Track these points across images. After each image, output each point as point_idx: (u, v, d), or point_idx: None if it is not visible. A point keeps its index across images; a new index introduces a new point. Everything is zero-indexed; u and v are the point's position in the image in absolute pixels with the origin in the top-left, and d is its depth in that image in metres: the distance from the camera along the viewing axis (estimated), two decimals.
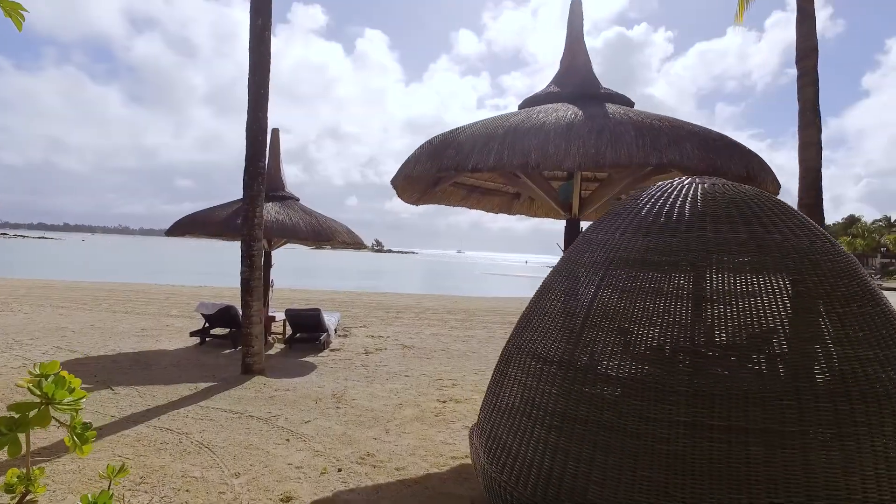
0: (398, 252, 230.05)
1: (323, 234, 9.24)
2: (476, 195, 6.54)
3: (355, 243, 9.86)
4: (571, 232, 5.34)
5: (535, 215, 7.03)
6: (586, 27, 5.66)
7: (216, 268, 43.70)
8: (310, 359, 8.75)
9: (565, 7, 5.54)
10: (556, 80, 5.31)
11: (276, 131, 10.07)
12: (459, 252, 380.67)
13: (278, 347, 9.69)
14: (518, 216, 7.04)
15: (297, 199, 10.12)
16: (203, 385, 6.76)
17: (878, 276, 78.82)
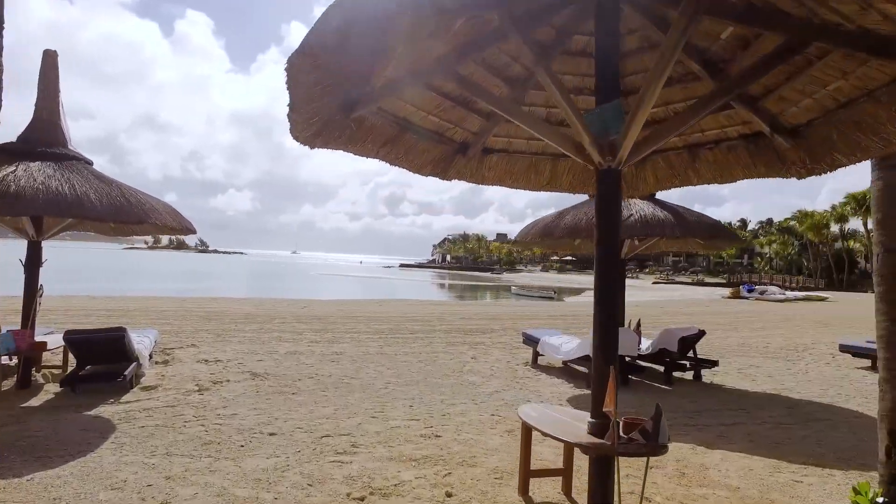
0: (225, 252, 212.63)
1: (131, 212, 5.86)
2: (407, 142, 3.95)
3: (183, 229, 6.57)
4: (608, 187, 3.06)
5: (491, 181, 4.61)
6: None
7: None
8: (105, 410, 5.39)
9: None
10: None
11: (51, 54, 6.43)
12: (294, 253, 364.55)
13: (51, 392, 6.07)
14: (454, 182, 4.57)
15: (90, 163, 6.57)
16: None
17: (671, 272, 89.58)
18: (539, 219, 8.60)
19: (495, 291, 51.16)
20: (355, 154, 3.80)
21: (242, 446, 4.46)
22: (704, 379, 8.35)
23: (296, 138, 3.27)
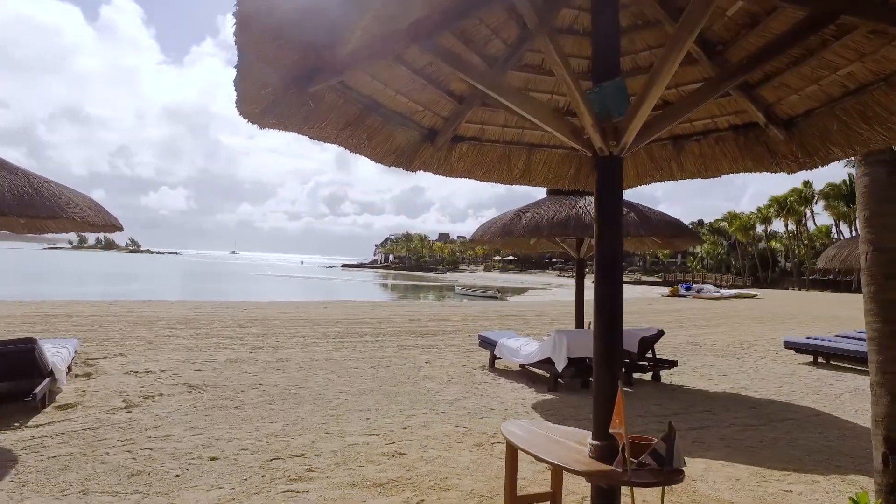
0: (158, 253, 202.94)
1: (41, 206, 5.05)
2: (371, 125, 3.44)
3: (107, 225, 5.78)
4: (610, 177, 2.68)
5: (459, 173, 4.16)
6: None
7: None
8: (6, 438, 4.58)
9: None
10: None
11: None
12: (233, 253, 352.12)
13: None
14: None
15: None
16: None
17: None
18: (497, 217, 8.25)
19: (440, 291, 50.91)
20: (311, 137, 3.28)
21: (178, 476, 3.82)
22: (663, 379, 8.24)
23: (242, 114, 2.73)
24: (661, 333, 8.32)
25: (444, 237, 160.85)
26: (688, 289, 37.42)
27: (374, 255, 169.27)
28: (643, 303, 29.99)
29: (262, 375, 7.46)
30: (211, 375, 7.28)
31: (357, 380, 7.47)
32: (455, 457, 4.45)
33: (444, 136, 3.85)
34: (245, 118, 2.75)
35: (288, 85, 2.75)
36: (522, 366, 8.59)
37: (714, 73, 3.30)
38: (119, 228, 6.01)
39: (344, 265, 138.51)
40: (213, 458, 4.19)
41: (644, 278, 75.90)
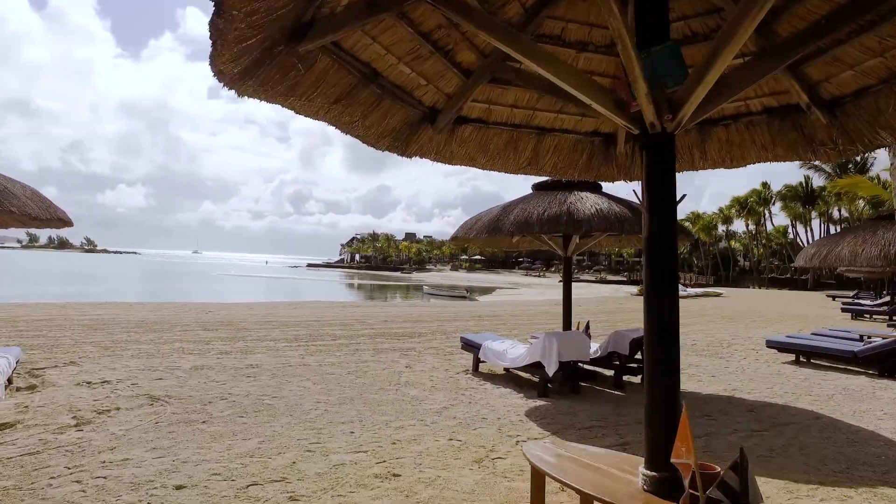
0: (116, 252, 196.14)
1: None
2: (366, 100, 2.94)
3: (53, 219, 5.09)
4: (662, 157, 2.25)
5: (460, 160, 3.69)
6: None
7: None
8: None
9: None
10: None
11: None
12: (196, 252, 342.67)
13: None
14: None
15: None
16: None
17: (576, 271, 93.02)
18: (483, 213, 7.81)
19: (408, 291, 50.35)
20: (297, 112, 2.77)
21: None
22: None
23: (219, 75, 2.21)
24: None
25: (410, 236, 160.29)
26: None
27: (340, 255, 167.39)
28: (615, 301, 30.07)
29: (232, 384, 6.84)
30: (175, 385, 6.63)
31: (335, 387, 6.93)
32: (455, 477, 3.98)
33: (447, 117, 3.38)
34: (221, 81, 2.23)
35: (275, 42, 2.24)
36: (507, 369, 8.20)
37: (757, 47, 2.93)
38: (68, 224, 5.33)
39: (309, 265, 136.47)
40: (179, 487, 3.62)
41: (610, 277, 76.84)
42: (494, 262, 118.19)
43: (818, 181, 50.81)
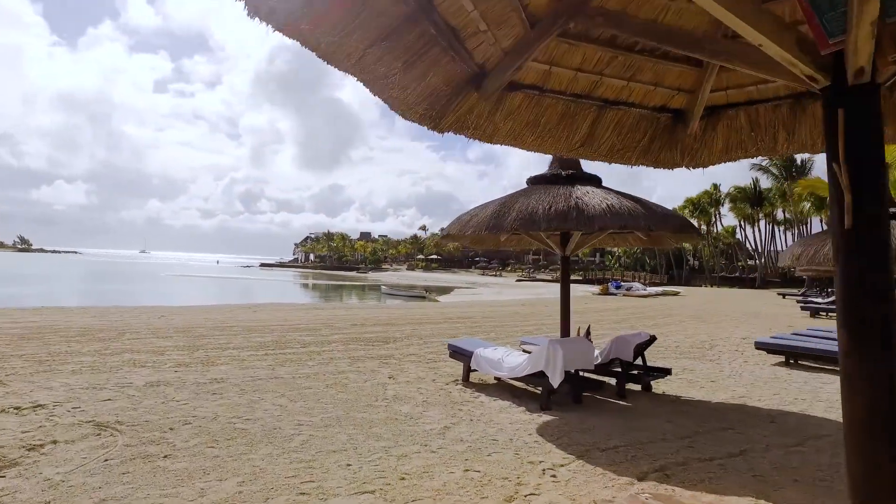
0: (54, 252, 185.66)
1: None
2: (407, 41, 2.16)
3: None
4: (868, 119, 1.56)
5: (502, 138, 2.94)
6: None
7: None
8: None
9: None
10: None
11: None
12: (144, 252, 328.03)
13: None
14: None
15: None
16: None
17: (531, 270, 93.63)
18: (477, 209, 7.07)
19: (366, 291, 49.23)
20: (323, 56, 1.96)
21: None
22: (653, 389, 7.43)
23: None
24: (652, 339, 7.50)
25: (365, 236, 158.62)
26: (617, 287, 38.04)
27: (294, 255, 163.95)
28: (579, 301, 29.93)
29: (195, 403, 5.87)
30: (127, 407, 5.61)
31: (315, 405, 6.06)
32: None
33: (499, 79, 2.65)
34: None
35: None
36: (498, 378, 7.54)
37: None
38: None
39: (262, 264, 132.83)
40: None
41: None
42: (451, 262, 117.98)
43: (765, 183, 52.61)
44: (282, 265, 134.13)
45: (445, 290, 48.47)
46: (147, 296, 28.52)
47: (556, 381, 6.23)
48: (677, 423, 5.78)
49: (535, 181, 7.26)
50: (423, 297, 37.36)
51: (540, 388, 6.56)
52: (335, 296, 42.98)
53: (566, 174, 7.07)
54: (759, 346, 10.24)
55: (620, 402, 6.78)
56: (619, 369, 7.30)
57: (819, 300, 25.10)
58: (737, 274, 59.99)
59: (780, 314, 22.00)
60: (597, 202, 6.27)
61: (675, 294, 37.90)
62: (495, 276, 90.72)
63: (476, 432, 5.25)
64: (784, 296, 35.61)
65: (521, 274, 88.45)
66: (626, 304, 27.13)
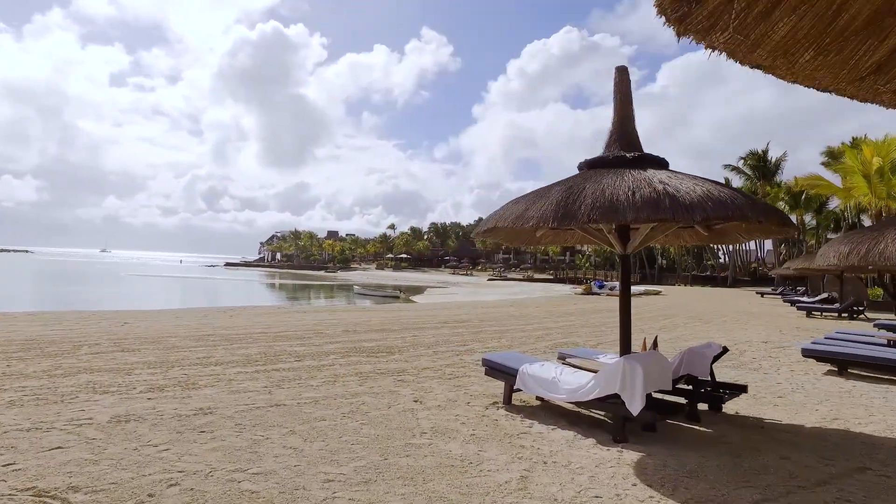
0: (2, 251, 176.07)
1: None
2: None
3: None
4: None
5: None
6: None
7: None
8: None
9: None
10: None
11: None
12: (104, 251, 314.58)
13: None
14: None
15: None
16: None
17: (502, 269, 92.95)
18: (527, 198, 5.72)
19: (338, 291, 47.43)
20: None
21: None
22: (723, 408, 6.29)
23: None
24: (725, 350, 6.35)
25: (333, 234, 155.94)
26: (600, 286, 37.30)
27: (260, 253, 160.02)
28: (563, 302, 28.98)
29: (180, 449, 4.36)
30: (85, 460, 4.07)
31: (339, 445, 4.63)
32: None
33: None
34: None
35: None
36: (541, 398, 6.31)
37: None
38: None
39: (227, 264, 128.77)
40: None
41: (536, 276, 77.06)
42: (421, 261, 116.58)
43: (737, 182, 52.79)
44: (247, 264, 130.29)
45: (418, 290, 47.13)
46: (106, 299, 26.22)
47: (635, 406, 4.97)
48: (796, 461, 4.59)
49: (591, 165, 6.00)
50: (397, 297, 36.00)
51: (597, 411, 5.31)
52: (310, 297, 41.05)
53: (632, 156, 5.83)
54: (808, 353, 9.20)
55: (697, 428, 5.60)
56: (690, 387, 6.13)
57: (806, 300, 24.75)
58: (708, 273, 60.42)
59: (773, 314, 21.42)
60: (689, 188, 5.03)
61: (657, 293, 37.40)
62: (466, 275, 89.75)
63: (565, 484, 3.93)
64: (763, 294, 35.52)
65: (491, 273, 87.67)
66: (607, 305, 26.23)
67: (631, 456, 4.67)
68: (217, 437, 4.73)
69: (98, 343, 9.50)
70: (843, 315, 19.94)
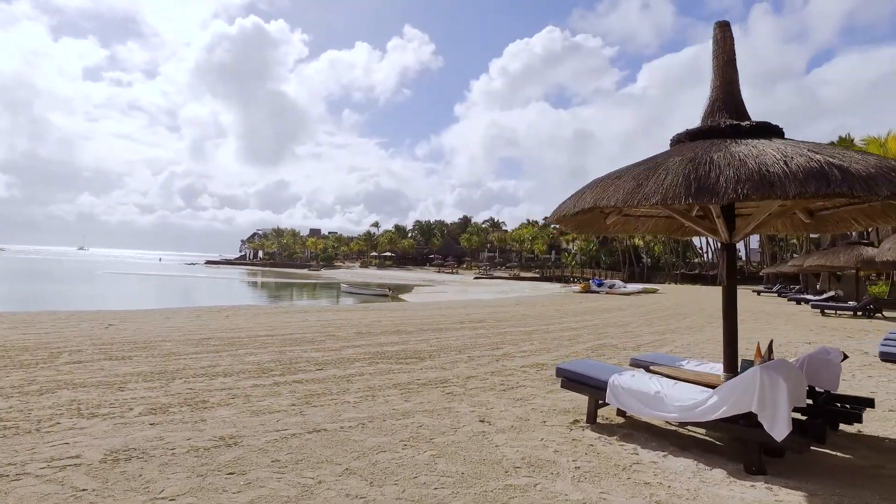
0: None
1: None
2: None
3: None
4: None
5: None
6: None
7: None
8: None
9: None
10: None
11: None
12: (82, 249, 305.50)
13: None
14: None
15: None
16: None
17: (488, 267, 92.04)
18: (629, 171, 4.60)
19: (325, 289, 45.93)
20: None
21: None
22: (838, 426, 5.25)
23: None
24: (845, 356, 5.34)
25: (315, 232, 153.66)
26: (599, 284, 36.47)
27: (241, 251, 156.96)
28: (562, 300, 28.02)
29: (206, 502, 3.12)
30: None
31: (416, 489, 3.44)
32: None
33: None
34: None
35: None
36: (622, 413, 5.26)
37: None
38: None
39: (208, 262, 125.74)
40: None
41: (523, 274, 76.25)
42: (406, 259, 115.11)
43: None
44: (229, 262, 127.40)
45: (406, 289, 45.85)
46: (84, 298, 24.49)
47: (780, 429, 3.89)
48: None
49: (693, 136, 4.91)
50: (386, 296, 34.80)
51: (694, 429, 4.20)
52: (300, 295, 39.49)
53: (748, 125, 4.75)
54: (885, 357, 8.26)
55: (829, 451, 4.57)
56: (813, 403, 5.08)
57: (815, 298, 24.14)
58: (696, 271, 60.15)
59: (787, 312, 20.69)
60: (851, 157, 3.95)
61: (655, 292, 36.70)
62: (451, 273, 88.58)
63: None
64: (759, 293, 35.03)
65: (477, 271, 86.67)
66: (618, 304, 25.34)
67: (788, 496, 3.58)
68: (253, 482, 3.50)
69: (80, 349, 8.10)
70: (857, 314, 19.25)
